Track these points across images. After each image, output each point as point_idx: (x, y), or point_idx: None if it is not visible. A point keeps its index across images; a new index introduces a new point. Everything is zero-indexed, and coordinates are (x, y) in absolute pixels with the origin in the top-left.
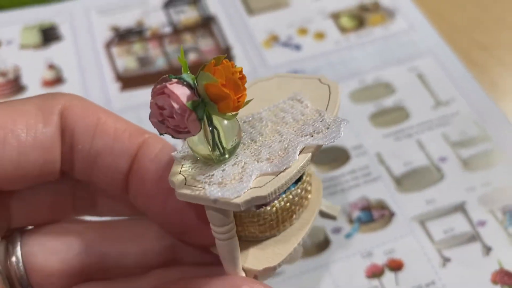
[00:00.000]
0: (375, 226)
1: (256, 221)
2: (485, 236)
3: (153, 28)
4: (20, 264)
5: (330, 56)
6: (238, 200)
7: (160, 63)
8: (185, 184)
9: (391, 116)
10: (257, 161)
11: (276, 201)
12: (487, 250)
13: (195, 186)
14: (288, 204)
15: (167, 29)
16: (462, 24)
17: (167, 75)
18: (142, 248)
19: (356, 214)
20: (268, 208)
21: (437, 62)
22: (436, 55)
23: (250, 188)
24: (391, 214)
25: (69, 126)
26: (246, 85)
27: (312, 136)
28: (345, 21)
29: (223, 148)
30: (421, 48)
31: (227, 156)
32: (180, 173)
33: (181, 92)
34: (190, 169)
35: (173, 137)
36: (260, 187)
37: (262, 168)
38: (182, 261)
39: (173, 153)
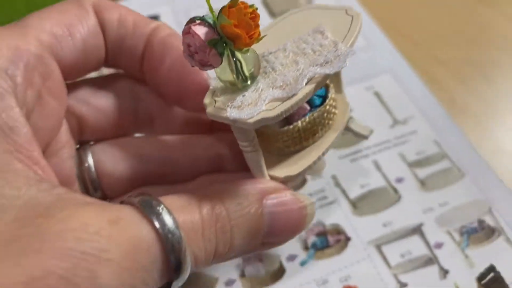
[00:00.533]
0: (331, 252)
1: (280, 138)
2: (442, 258)
3: None
4: (92, 169)
5: None
6: (251, 120)
7: None
8: (214, 107)
9: (347, 137)
10: (272, 88)
11: (298, 122)
12: (444, 273)
13: (221, 109)
14: (309, 124)
15: None
16: (421, 40)
17: (194, 16)
18: (193, 156)
19: (311, 240)
20: (291, 127)
21: (395, 80)
22: (394, 72)
23: (262, 111)
24: (347, 239)
25: (101, 18)
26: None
27: (321, 66)
28: None
29: (244, 75)
30: (379, 65)
31: (249, 82)
32: (212, 98)
33: (202, 32)
34: (219, 96)
35: (200, 69)
36: (270, 110)
37: (275, 94)
38: (227, 170)
39: (210, 85)
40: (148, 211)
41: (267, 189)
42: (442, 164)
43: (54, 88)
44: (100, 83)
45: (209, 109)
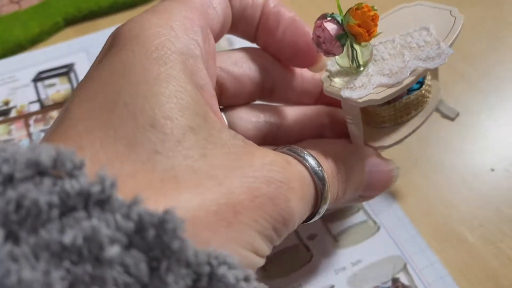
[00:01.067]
0: None
1: (379, 114)
2: None
3: (18, 107)
4: None
5: None
6: (360, 100)
7: None
8: (329, 84)
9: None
10: (380, 75)
11: (396, 102)
12: None
13: (336, 87)
14: (405, 106)
15: (34, 107)
16: None
17: (327, 13)
18: (302, 124)
19: None
20: (389, 106)
21: None
22: None
23: (370, 93)
24: None
25: None
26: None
27: (424, 61)
28: None
29: (359, 63)
30: None
31: (361, 68)
32: (328, 77)
33: (332, 27)
34: (335, 76)
35: (324, 55)
36: (377, 93)
37: (382, 81)
38: (325, 137)
39: (327, 66)
40: (302, 157)
41: (368, 153)
42: (357, 217)
43: (212, 52)
44: (237, 54)
45: (326, 86)
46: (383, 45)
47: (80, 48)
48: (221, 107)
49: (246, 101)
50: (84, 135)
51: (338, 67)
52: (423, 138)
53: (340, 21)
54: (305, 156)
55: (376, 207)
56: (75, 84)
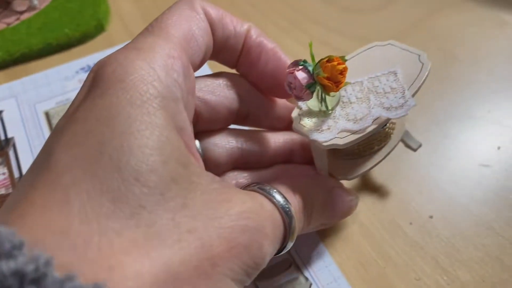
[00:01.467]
0: None
1: (343, 153)
2: None
3: None
4: (201, 156)
5: None
6: (324, 144)
7: None
8: (299, 123)
9: None
10: (346, 120)
11: (358, 144)
12: None
13: (304, 127)
14: (367, 142)
15: None
16: None
17: (300, 59)
18: (274, 149)
19: None
20: (351, 148)
21: None
22: None
23: (335, 137)
24: None
25: (209, 19)
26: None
27: (387, 110)
28: None
29: (327, 108)
30: None
31: (330, 112)
32: (298, 115)
33: (302, 77)
34: (304, 115)
35: (295, 99)
36: (341, 138)
37: (347, 126)
38: (294, 162)
39: (298, 103)
40: (271, 195)
41: (332, 184)
42: (288, 274)
43: (192, 88)
44: (214, 82)
45: (295, 124)
46: (352, 87)
47: (9, 94)
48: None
49: (220, 126)
50: (71, 187)
51: (307, 107)
52: (358, 186)
53: (311, 71)
54: (274, 194)
55: (308, 261)
56: (1, 134)
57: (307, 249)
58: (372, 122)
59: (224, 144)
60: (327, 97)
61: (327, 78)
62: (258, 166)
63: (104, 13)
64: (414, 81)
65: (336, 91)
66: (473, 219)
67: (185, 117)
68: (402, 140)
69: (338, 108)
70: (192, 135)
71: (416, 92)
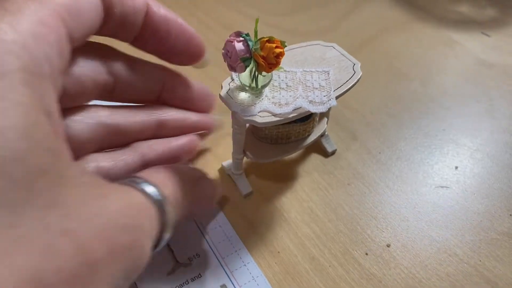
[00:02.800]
0: None
1: (263, 130)
2: None
3: None
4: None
5: None
6: (244, 117)
7: None
8: (226, 93)
9: None
10: (271, 102)
11: (280, 126)
12: None
13: (231, 98)
14: (283, 133)
15: None
16: None
17: (243, 32)
18: (139, 122)
19: None
20: (271, 130)
21: None
22: None
23: (255, 115)
24: None
25: None
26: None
27: (310, 103)
28: None
29: (257, 86)
30: None
31: (258, 91)
32: (228, 86)
33: (240, 48)
34: (233, 89)
35: (229, 69)
36: (261, 117)
37: (269, 108)
38: (159, 136)
39: (232, 75)
40: (144, 190)
41: (199, 175)
42: None
43: (65, 66)
44: (79, 53)
45: (222, 93)
46: (285, 74)
47: None
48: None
49: (84, 102)
50: None
51: (239, 83)
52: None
53: (250, 45)
54: (147, 187)
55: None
56: None
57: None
58: (293, 110)
59: (87, 120)
60: (259, 76)
61: (262, 57)
62: (125, 142)
63: None
64: (342, 85)
65: (268, 72)
66: (435, 246)
67: (54, 99)
68: (320, 142)
69: (267, 90)
70: (60, 120)
71: (340, 95)
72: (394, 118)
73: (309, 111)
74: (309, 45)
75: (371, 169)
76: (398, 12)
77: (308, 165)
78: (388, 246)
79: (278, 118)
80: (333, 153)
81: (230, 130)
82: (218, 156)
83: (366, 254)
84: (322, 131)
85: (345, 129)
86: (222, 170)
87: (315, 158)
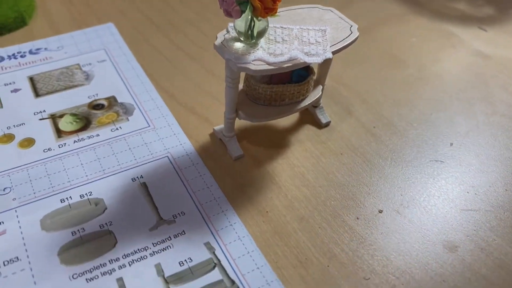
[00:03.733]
0: None
1: (257, 89)
2: None
3: None
4: None
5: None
6: (238, 64)
7: None
8: (221, 43)
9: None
10: (266, 52)
11: (275, 85)
12: None
13: (225, 47)
14: (276, 94)
15: None
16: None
17: None
18: None
19: None
20: (262, 87)
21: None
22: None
23: (249, 63)
24: None
25: None
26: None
27: (305, 54)
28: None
29: (252, 34)
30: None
31: (253, 41)
32: (223, 37)
33: None
34: (229, 39)
35: (224, 14)
36: (255, 65)
37: (264, 57)
38: None
39: (228, 26)
40: None
41: None
42: (209, 277)
43: None
44: None
45: (217, 42)
46: (282, 30)
47: None
48: None
49: None
50: None
51: (236, 33)
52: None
53: None
54: None
55: (236, 262)
56: None
57: (235, 249)
58: (288, 59)
59: None
60: (255, 25)
61: (259, 0)
62: None
63: (27, 7)
64: (338, 42)
65: (263, 17)
66: (429, 214)
67: None
68: (314, 113)
69: (262, 41)
70: None
71: (336, 51)
72: (389, 97)
73: (304, 62)
74: (308, 7)
75: (365, 141)
76: (395, 5)
77: (301, 134)
78: (381, 212)
79: (272, 67)
80: (327, 124)
81: (221, 96)
82: (210, 121)
83: (357, 218)
84: (316, 97)
85: (339, 104)
86: (213, 134)
87: (308, 129)
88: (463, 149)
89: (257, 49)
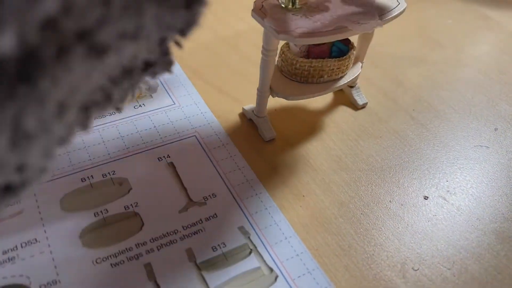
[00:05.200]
0: None
1: (295, 64)
2: None
3: None
4: None
5: None
6: (276, 32)
7: None
8: (259, 10)
9: (117, 229)
10: (310, 21)
11: (314, 60)
12: None
13: (264, 14)
14: (314, 69)
15: None
16: None
17: None
18: None
19: None
20: (299, 61)
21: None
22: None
23: (290, 31)
24: None
25: None
26: None
27: (351, 23)
28: None
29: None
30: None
31: (296, 6)
32: (261, 4)
33: None
34: (268, 5)
35: None
36: (294, 35)
37: (305, 25)
38: None
39: None
40: None
41: None
42: (246, 263)
43: None
44: None
45: (254, 9)
46: None
47: None
48: None
49: None
50: None
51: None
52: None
53: None
54: None
55: (274, 248)
56: None
57: (272, 234)
58: (334, 28)
59: None
60: None
61: None
62: None
63: None
64: (387, 12)
65: None
66: (476, 202)
67: None
68: (350, 94)
69: (305, 10)
70: None
71: (385, 22)
72: (428, 80)
73: (352, 31)
74: None
75: (405, 125)
76: None
77: (336, 116)
78: (426, 198)
79: (316, 38)
80: (363, 106)
81: (248, 74)
82: (239, 101)
83: (402, 205)
84: (356, 75)
85: (374, 85)
86: (242, 115)
87: (343, 110)
88: (509, 135)
89: (300, 17)
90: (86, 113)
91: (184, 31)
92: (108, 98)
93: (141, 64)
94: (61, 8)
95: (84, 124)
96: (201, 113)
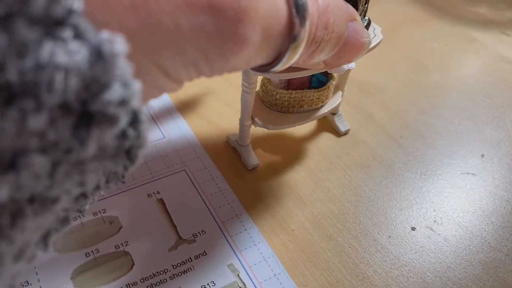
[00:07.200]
0: None
1: (275, 95)
2: None
3: None
4: None
5: None
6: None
7: None
8: None
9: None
10: None
11: (293, 91)
12: None
13: None
14: (299, 97)
15: None
16: None
17: None
18: None
19: None
20: (279, 92)
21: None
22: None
23: None
24: None
25: None
26: None
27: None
28: None
29: None
30: None
31: None
32: None
33: None
34: None
35: None
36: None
37: None
38: None
39: None
40: None
41: (353, 14)
42: None
43: None
44: None
45: None
46: None
47: None
48: None
49: None
50: None
51: None
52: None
53: None
54: None
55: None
56: None
57: (261, 271)
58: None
59: None
60: None
61: None
62: None
63: None
64: None
65: None
66: (464, 231)
67: None
68: (332, 121)
69: None
70: None
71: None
72: (414, 105)
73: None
74: None
75: (392, 152)
76: (416, 9)
77: (321, 144)
78: (413, 229)
79: (293, 72)
80: (346, 132)
81: (237, 104)
82: (223, 129)
83: (389, 236)
84: (336, 104)
85: (361, 111)
86: (227, 142)
87: (327, 138)
88: (495, 161)
89: None
90: (45, 240)
91: (127, 168)
92: (65, 221)
93: (93, 189)
94: (8, 198)
95: (44, 248)
96: (191, 145)
